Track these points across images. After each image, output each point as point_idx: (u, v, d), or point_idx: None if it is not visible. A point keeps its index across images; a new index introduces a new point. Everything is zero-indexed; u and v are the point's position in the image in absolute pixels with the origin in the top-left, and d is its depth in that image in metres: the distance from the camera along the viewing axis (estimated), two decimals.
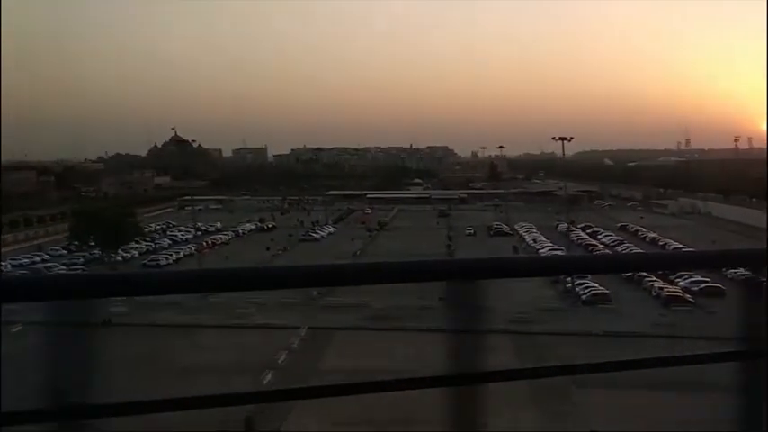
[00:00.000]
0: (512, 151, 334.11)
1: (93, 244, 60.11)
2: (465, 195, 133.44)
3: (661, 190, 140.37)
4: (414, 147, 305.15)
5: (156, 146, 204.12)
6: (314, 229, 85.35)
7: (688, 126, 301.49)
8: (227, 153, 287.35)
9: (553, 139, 65.56)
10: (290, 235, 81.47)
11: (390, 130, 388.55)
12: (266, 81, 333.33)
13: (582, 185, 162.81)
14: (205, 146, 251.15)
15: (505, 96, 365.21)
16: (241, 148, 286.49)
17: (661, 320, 44.93)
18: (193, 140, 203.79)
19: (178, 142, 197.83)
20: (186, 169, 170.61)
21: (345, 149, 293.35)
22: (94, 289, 1.65)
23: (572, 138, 65.18)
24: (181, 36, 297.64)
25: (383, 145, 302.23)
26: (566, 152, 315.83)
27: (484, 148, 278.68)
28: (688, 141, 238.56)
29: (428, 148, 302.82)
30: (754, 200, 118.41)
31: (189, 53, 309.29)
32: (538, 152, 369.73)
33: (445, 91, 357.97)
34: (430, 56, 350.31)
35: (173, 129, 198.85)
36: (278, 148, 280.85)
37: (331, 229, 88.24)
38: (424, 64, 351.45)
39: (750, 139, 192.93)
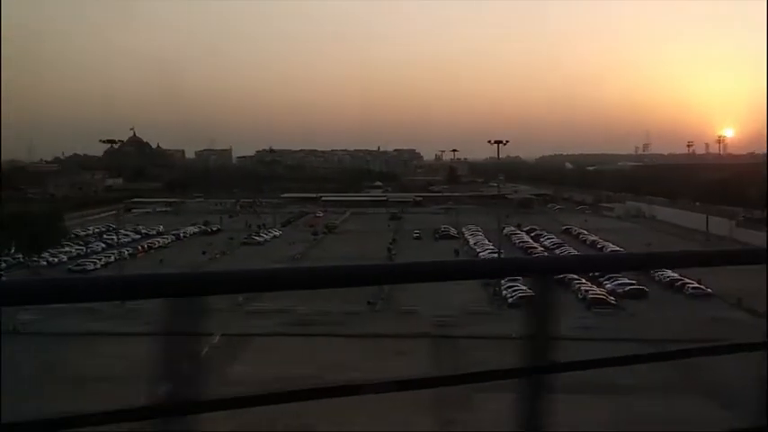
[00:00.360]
0: (479, 154, 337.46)
1: (13, 249, 58.54)
2: (420, 198, 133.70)
3: (611, 193, 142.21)
4: (381, 149, 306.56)
5: (112, 146, 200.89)
6: (258, 233, 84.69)
7: (650, 131, 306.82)
8: (190, 154, 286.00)
9: (489, 142, 65.82)
10: (231, 238, 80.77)
11: (361, 132, 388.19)
12: (236, 82, 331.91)
13: (538, 189, 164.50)
14: (166, 147, 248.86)
15: (474, 100, 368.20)
16: (205, 150, 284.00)
17: (578, 323, 45.31)
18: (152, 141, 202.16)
19: (136, 143, 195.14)
20: (141, 171, 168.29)
21: (312, 152, 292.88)
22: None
23: (507, 141, 65.58)
24: (155, 36, 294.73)
25: (351, 147, 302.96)
26: (530, 156, 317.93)
27: (443, 151, 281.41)
28: (646, 146, 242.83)
29: (395, 150, 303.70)
30: (697, 203, 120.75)
31: (161, 53, 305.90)
32: (504, 155, 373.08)
33: (415, 94, 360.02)
34: (402, 59, 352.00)
35: (131, 129, 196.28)
36: (245, 149, 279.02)
37: (277, 233, 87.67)
38: (395, 67, 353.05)
39: (707, 144, 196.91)
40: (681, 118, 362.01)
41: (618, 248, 74.62)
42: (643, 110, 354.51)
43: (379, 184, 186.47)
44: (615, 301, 51.05)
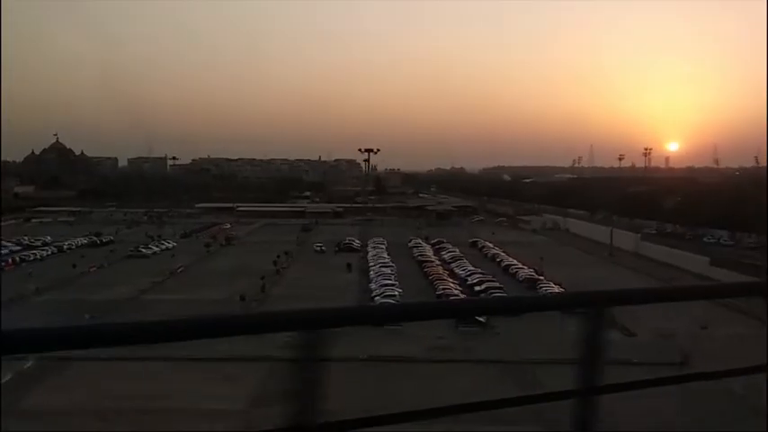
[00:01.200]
0: (424, 166, 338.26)
1: None
2: (341, 209, 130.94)
3: (537, 205, 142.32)
4: (322, 159, 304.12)
5: (33, 153, 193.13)
6: (148, 245, 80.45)
7: (594, 144, 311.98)
8: (123, 162, 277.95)
9: (359, 150, 63.57)
10: (113, 250, 76.74)
11: (308, 142, 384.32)
12: (179, 89, 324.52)
13: (467, 201, 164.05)
14: (96, 154, 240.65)
15: (420, 112, 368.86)
16: (138, 157, 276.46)
17: (437, 343, 43.10)
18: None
19: (58, 150, 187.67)
20: (57, 178, 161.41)
21: (251, 161, 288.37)
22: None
23: (378, 150, 63.64)
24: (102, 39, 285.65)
25: (292, 157, 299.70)
26: (473, 168, 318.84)
27: (366, 157, 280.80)
28: (580, 159, 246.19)
29: (335, 160, 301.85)
30: (615, 217, 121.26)
31: (104, 59, 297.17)
32: (449, 167, 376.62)
33: (363, 104, 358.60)
34: (351, 69, 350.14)
35: (55, 135, 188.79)
36: (186, 157, 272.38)
37: (170, 245, 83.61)
38: (344, 75, 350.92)
39: (648, 157, 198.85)
40: (628, 131, 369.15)
41: (515, 262, 73.33)
42: (589, 123, 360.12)
43: (307, 194, 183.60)
44: (485, 318, 48.91)
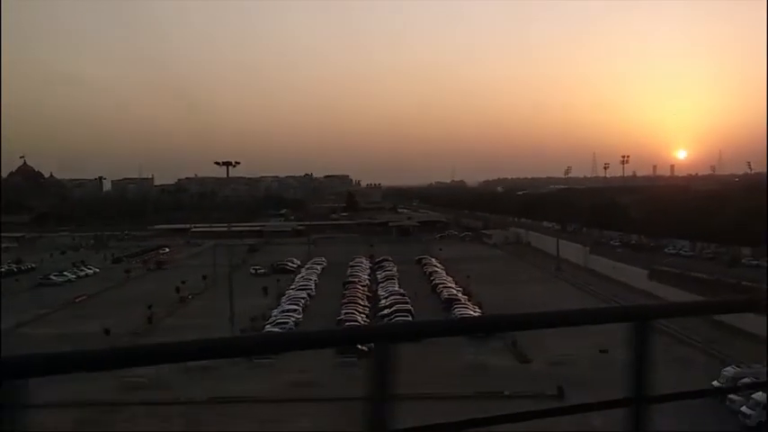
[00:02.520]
0: (424, 180, 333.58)
1: None
2: (302, 228, 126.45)
3: (513, 218, 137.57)
4: (314, 176, 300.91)
5: None
6: (63, 272, 76.03)
7: (597, 154, 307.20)
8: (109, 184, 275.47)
9: (216, 163, 59.48)
10: (17, 279, 72.79)
11: (301, 158, 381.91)
12: (170, 108, 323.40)
13: (447, 214, 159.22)
14: (77, 176, 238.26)
15: (415, 127, 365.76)
16: (123, 179, 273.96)
17: (299, 378, 38.38)
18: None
19: (25, 173, 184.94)
20: (22, 202, 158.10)
21: (240, 179, 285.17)
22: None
23: (237, 162, 59.39)
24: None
25: (282, 174, 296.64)
26: (474, 181, 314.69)
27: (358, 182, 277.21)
28: (569, 169, 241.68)
29: (325, 177, 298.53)
30: (584, 229, 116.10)
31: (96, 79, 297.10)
32: (449, 180, 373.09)
33: (365, 120, 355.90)
34: (347, 84, 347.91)
35: (21, 157, 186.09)
36: (174, 176, 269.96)
37: (91, 271, 79.34)
38: (340, 90, 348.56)
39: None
40: (636, 140, 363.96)
41: (447, 281, 68.57)
42: (593, 132, 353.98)
43: (283, 212, 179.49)
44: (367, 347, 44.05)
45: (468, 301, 59.13)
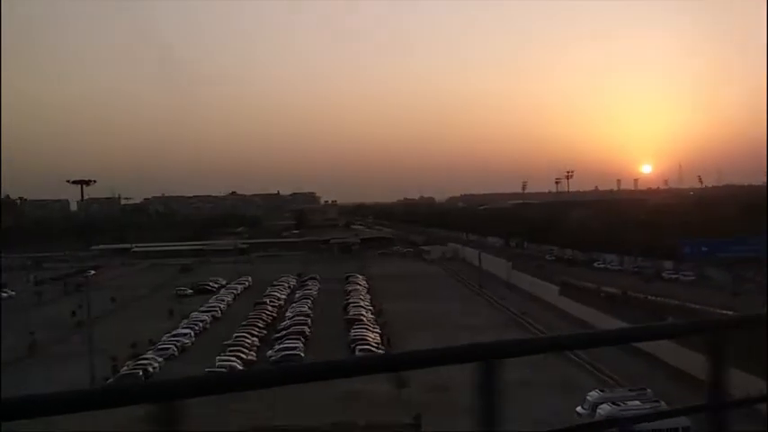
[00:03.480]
0: (394, 197, 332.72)
1: None
2: (245, 246, 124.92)
3: (463, 234, 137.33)
4: (281, 193, 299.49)
5: None
6: None
7: (563, 169, 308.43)
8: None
9: (67, 182, 58.19)
10: None
11: (272, 177, 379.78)
12: (141, 128, 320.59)
13: (399, 231, 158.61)
14: (44, 197, 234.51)
15: (385, 144, 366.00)
16: (88, 199, 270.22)
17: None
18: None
19: None
20: None
21: (206, 197, 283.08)
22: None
23: (93, 181, 58.28)
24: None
25: (249, 192, 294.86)
26: (442, 197, 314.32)
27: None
28: (525, 185, 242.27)
29: (292, 194, 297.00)
30: (525, 243, 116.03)
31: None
32: (417, 197, 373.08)
33: (330, 141, 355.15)
34: (313, 104, 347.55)
35: None
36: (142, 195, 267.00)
37: (6, 294, 77.41)
38: (307, 108, 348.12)
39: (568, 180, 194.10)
40: (607, 155, 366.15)
41: (358, 300, 67.52)
42: (563, 148, 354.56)
43: (240, 229, 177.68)
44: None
45: (376, 320, 58.35)
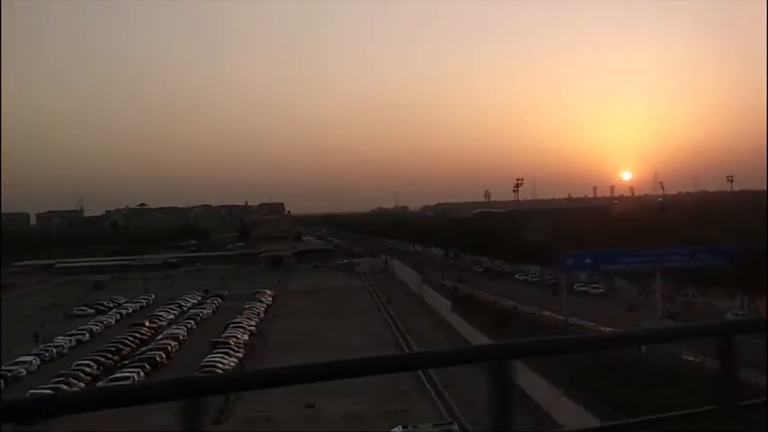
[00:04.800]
0: (366, 206, 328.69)
1: None
2: (175, 260, 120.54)
3: (411, 245, 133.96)
4: (248, 204, 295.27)
5: None
6: None
7: (536, 177, 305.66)
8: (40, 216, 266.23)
9: None
10: None
11: (243, 187, 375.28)
12: (107, 139, 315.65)
13: (350, 242, 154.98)
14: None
15: (357, 154, 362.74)
16: (48, 212, 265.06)
17: None
18: None
19: None
20: None
21: (172, 209, 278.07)
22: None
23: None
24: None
25: (216, 203, 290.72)
26: (414, 206, 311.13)
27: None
28: (487, 193, 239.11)
29: (259, 205, 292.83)
30: (461, 254, 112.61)
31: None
32: (391, 206, 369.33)
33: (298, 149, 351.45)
34: (284, 113, 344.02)
35: None
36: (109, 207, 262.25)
37: None
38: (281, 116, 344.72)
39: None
40: (584, 163, 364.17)
41: (242, 319, 63.47)
42: (535, 155, 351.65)
43: (192, 242, 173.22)
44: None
45: (248, 343, 54.48)
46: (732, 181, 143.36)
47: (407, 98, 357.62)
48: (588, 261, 53.67)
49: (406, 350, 51.15)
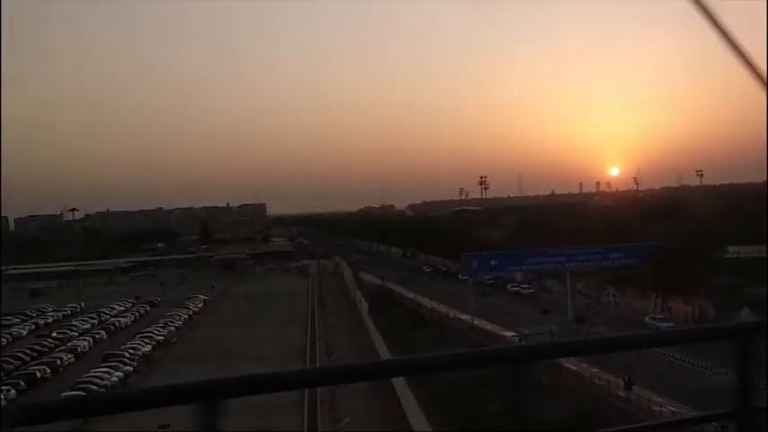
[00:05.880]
0: (355, 205, 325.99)
1: None
2: (129, 264, 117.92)
3: (376, 245, 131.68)
4: (230, 205, 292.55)
5: None
6: None
7: (523, 174, 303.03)
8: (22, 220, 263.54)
9: None
10: None
11: (231, 187, 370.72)
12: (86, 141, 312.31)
13: (321, 242, 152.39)
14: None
15: (346, 153, 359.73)
16: (27, 216, 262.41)
17: None
18: None
19: None
20: None
21: (154, 211, 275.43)
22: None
23: None
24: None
25: (198, 205, 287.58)
26: (401, 205, 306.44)
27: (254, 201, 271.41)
28: (465, 192, 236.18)
29: (240, 206, 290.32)
30: (416, 254, 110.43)
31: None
32: (378, 205, 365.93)
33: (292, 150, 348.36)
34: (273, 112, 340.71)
35: None
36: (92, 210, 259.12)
37: None
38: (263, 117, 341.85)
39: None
40: (572, 160, 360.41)
41: (158, 330, 61.00)
42: (521, 152, 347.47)
43: (158, 245, 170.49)
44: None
45: (147, 355, 51.98)
46: (702, 176, 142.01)
47: (393, 97, 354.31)
48: (493, 262, 51.18)
49: (308, 361, 48.96)
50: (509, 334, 42.38)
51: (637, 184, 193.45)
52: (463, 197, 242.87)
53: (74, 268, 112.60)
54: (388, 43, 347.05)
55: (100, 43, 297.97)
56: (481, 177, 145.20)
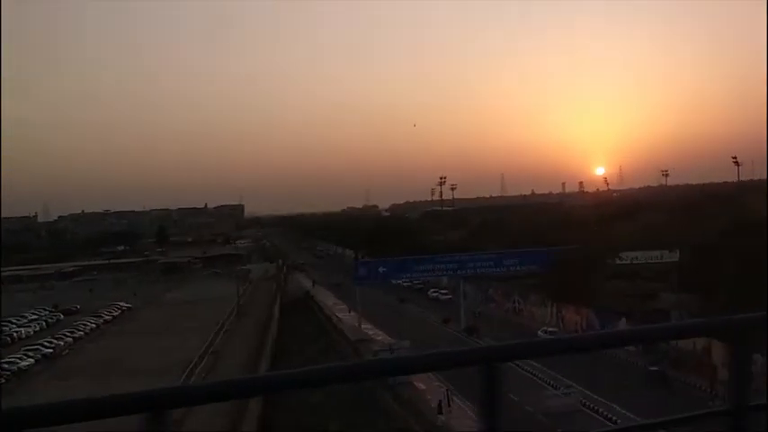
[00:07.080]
0: (337, 206, 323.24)
1: None
2: (73, 268, 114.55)
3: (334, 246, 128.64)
4: (208, 206, 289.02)
5: None
6: None
7: (506, 174, 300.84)
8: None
9: None
10: None
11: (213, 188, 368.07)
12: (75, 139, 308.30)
13: (286, 244, 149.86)
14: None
15: (330, 152, 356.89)
16: (8, 218, 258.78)
17: None
18: None
19: None
20: None
21: (128, 213, 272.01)
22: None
23: None
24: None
25: (175, 206, 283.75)
26: (384, 205, 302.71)
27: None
28: (438, 192, 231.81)
29: (216, 207, 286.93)
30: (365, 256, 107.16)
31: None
32: (361, 205, 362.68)
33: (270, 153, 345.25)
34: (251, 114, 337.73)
35: None
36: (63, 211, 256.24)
37: None
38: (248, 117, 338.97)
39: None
40: (558, 159, 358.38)
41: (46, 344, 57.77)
42: (506, 152, 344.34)
43: (119, 248, 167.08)
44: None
45: (21, 368, 48.86)
46: (667, 175, 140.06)
47: (379, 96, 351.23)
48: (381, 269, 48.24)
49: (183, 378, 45.80)
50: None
51: (608, 184, 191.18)
52: (435, 197, 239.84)
53: (10, 273, 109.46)
54: (375, 43, 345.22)
55: (77, 43, 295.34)
56: (441, 178, 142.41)
